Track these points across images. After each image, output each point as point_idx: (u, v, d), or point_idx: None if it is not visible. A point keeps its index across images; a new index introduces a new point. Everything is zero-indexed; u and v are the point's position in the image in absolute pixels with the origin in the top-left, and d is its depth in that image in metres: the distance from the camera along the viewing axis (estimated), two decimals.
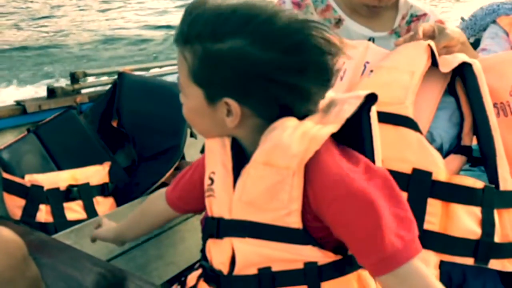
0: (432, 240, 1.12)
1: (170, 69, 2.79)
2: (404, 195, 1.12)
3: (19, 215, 1.82)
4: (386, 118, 1.15)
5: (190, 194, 1.04)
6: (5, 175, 1.86)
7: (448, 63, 1.23)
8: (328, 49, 0.77)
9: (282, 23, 0.76)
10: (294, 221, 0.78)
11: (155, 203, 1.17)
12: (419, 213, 1.12)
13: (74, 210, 1.89)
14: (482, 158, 1.21)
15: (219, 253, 0.86)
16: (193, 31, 0.79)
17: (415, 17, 1.58)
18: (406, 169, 1.14)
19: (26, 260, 1.03)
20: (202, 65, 0.79)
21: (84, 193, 1.93)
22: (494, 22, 1.71)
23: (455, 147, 1.24)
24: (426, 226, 1.12)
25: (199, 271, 0.94)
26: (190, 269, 1.02)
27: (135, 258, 1.89)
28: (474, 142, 1.25)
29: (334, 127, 0.76)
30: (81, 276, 1.29)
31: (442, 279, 1.13)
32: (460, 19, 3.48)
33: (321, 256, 0.79)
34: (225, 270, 0.85)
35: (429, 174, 1.13)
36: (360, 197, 0.74)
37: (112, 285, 1.27)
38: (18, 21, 10.55)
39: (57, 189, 1.89)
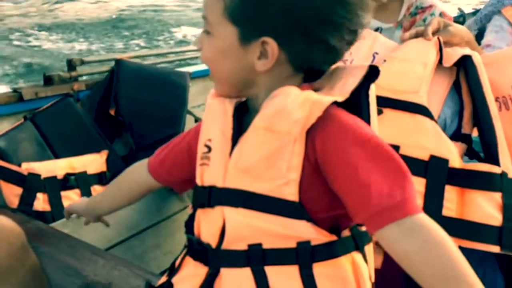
0: (451, 226, 1.11)
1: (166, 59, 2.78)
2: (422, 181, 1.14)
3: (16, 203, 1.80)
4: (402, 105, 1.17)
5: (175, 161, 1.00)
6: (2, 163, 1.83)
7: (449, 57, 1.24)
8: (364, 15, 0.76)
9: None
10: (290, 192, 0.74)
11: (135, 171, 1.11)
12: (438, 199, 1.13)
13: (71, 198, 1.88)
14: (483, 148, 1.21)
15: (208, 223, 0.81)
16: None
17: (420, 9, 1.57)
18: (424, 156, 1.15)
19: (25, 249, 1.02)
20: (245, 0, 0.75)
21: (81, 181, 1.92)
22: (499, 12, 1.67)
23: (455, 133, 1.25)
24: (445, 212, 1.13)
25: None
26: None
27: (133, 247, 1.89)
28: (475, 134, 1.26)
29: (338, 98, 0.74)
30: (80, 265, 1.29)
31: None
32: (457, 10, 3.45)
33: (315, 233, 0.75)
34: (213, 242, 0.80)
35: (446, 161, 1.14)
36: (373, 142, 0.72)
37: (110, 274, 1.26)
38: None
39: (54, 177, 1.87)
